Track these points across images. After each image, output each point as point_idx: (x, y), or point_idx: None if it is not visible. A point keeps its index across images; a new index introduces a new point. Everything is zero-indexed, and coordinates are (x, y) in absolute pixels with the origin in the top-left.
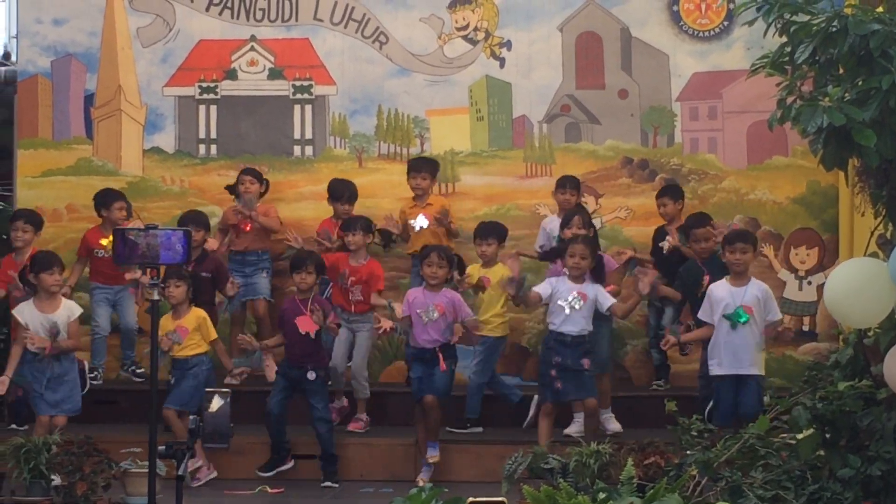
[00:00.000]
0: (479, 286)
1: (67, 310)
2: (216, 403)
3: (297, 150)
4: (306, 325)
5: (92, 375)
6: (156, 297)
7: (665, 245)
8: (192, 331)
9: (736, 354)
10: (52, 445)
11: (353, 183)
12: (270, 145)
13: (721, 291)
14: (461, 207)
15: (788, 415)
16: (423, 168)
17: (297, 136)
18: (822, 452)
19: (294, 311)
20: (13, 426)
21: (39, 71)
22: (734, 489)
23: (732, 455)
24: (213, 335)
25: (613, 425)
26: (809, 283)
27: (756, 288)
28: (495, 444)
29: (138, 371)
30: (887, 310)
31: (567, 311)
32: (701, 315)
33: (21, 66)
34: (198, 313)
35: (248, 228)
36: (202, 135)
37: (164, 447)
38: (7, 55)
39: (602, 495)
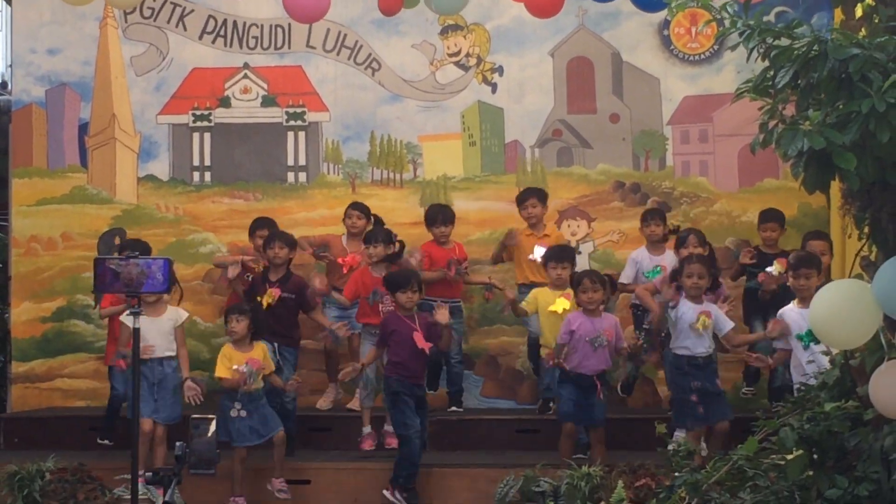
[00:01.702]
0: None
1: (174, 314)
2: (204, 429)
3: (290, 176)
4: (422, 341)
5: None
6: (136, 325)
7: (774, 271)
8: (260, 363)
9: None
10: (45, 473)
11: (448, 206)
12: (264, 172)
13: (792, 315)
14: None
15: (776, 436)
16: (531, 195)
17: (290, 162)
18: (810, 473)
19: (405, 328)
20: (106, 441)
21: (34, 100)
22: None
23: (721, 477)
24: (272, 367)
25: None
26: None
27: None
28: (490, 466)
29: None
30: (871, 331)
31: (699, 332)
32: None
33: (15, 95)
34: (262, 346)
35: (346, 270)
36: (196, 162)
37: (151, 473)
38: (4, 84)
39: None
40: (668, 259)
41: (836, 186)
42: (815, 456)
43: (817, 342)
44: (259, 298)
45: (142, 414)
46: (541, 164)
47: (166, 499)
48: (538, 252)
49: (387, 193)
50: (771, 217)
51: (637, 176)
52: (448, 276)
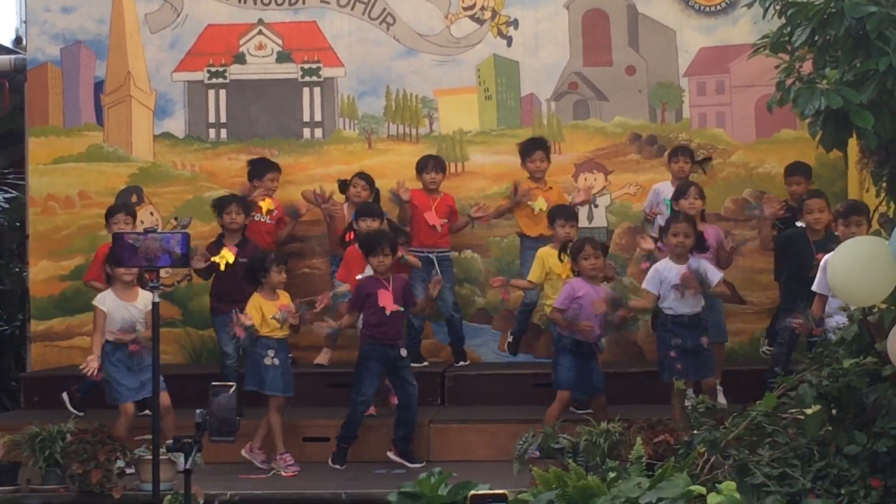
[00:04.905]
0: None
1: (146, 299)
2: (223, 397)
3: (306, 132)
4: (386, 301)
5: None
6: (156, 299)
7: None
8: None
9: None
10: (66, 434)
11: (440, 157)
12: (280, 128)
13: None
14: (471, 186)
15: (795, 391)
16: (539, 147)
17: (306, 118)
18: (829, 429)
19: (378, 291)
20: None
21: (49, 59)
22: (741, 467)
23: (740, 433)
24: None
25: (721, 399)
26: None
27: None
28: (509, 422)
29: None
30: (890, 288)
31: (679, 293)
32: (816, 287)
33: (31, 54)
34: (286, 294)
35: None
36: (212, 119)
37: (171, 441)
38: (19, 39)
39: (611, 475)
40: None
41: (853, 139)
42: (834, 412)
43: None
44: (215, 260)
45: (125, 398)
46: (557, 117)
47: (187, 466)
48: (541, 203)
49: (403, 148)
50: (797, 170)
51: (653, 128)
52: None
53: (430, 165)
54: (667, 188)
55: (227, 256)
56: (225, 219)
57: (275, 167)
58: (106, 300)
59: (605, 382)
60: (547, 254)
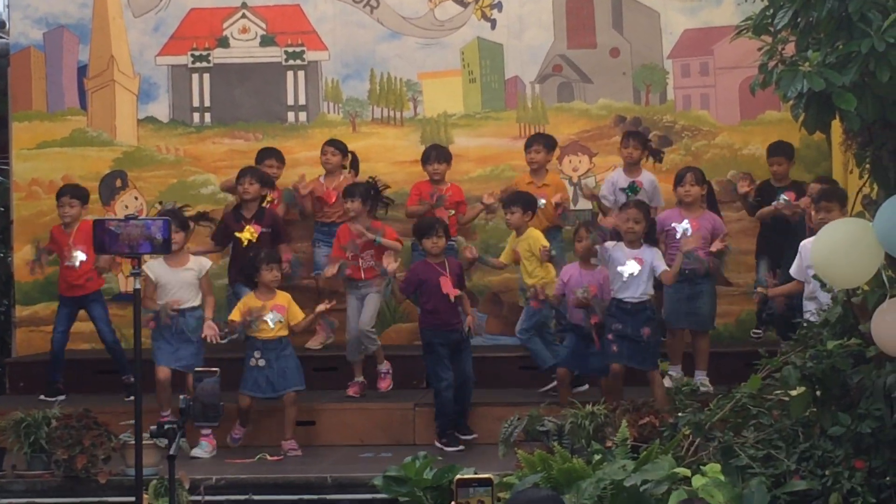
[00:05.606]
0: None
1: (197, 264)
2: (207, 382)
3: (290, 116)
4: (447, 286)
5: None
6: (137, 285)
7: (781, 204)
8: (287, 310)
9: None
10: (51, 419)
11: (444, 146)
12: (264, 112)
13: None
14: (456, 169)
15: (779, 373)
16: (536, 141)
17: (290, 102)
18: (813, 410)
19: (434, 275)
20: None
21: (32, 43)
22: (726, 449)
23: (725, 415)
24: (301, 315)
25: (704, 388)
26: None
27: None
28: (494, 405)
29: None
30: (873, 270)
31: (625, 277)
32: (792, 272)
33: (13, 38)
34: (285, 295)
35: (333, 201)
36: (196, 103)
37: (155, 426)
38: (2, 24)
39: (596, 457)
40: (644, 178)
41: (836, 121)
42: (818, 393)
43: None
44: (238, 235)
45: (160, 361)
46: (541, 99)
47: (171, 452)
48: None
49: (387, 132)
50: (778, 151)
51: (638, 110)
52: (431, 206)
53: (432, 156)
54: (619, 177)
55: (249, 234)
56: (238, 189)
57: (274, 153)
58: (155, 267)
59: (601, 367)
60: (512, 238)
